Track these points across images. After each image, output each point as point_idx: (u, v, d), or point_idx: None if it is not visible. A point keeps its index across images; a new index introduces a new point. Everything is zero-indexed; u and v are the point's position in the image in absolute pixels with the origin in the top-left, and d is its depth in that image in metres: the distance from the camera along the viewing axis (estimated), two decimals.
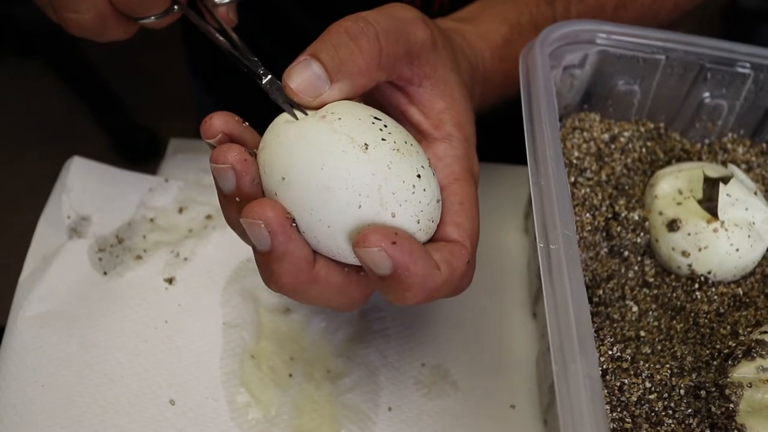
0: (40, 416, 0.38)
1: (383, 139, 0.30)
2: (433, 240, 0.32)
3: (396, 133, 0.31)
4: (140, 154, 1.38)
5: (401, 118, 0.35)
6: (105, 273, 0.44)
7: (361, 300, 0.33)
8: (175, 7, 0.37)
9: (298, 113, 0.31)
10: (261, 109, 0.36)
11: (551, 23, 0.44)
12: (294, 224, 0.29)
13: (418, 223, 0.30)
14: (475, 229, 0.33)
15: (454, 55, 0.37)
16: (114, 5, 0.35)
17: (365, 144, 0.29)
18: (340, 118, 0.30)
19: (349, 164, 0.29)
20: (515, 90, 0.45)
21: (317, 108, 0.31)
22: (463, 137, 0.35)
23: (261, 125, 0.39)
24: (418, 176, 0.30)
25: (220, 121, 0.31)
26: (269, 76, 0.33)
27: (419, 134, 0.35)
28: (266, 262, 0.30)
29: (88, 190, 0.47)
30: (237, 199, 0.30)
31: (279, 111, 0.33)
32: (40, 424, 0.38)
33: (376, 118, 0.31)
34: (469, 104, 0.37)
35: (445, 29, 0.39)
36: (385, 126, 0.31)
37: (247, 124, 0.32)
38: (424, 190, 0.30)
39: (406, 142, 0.31)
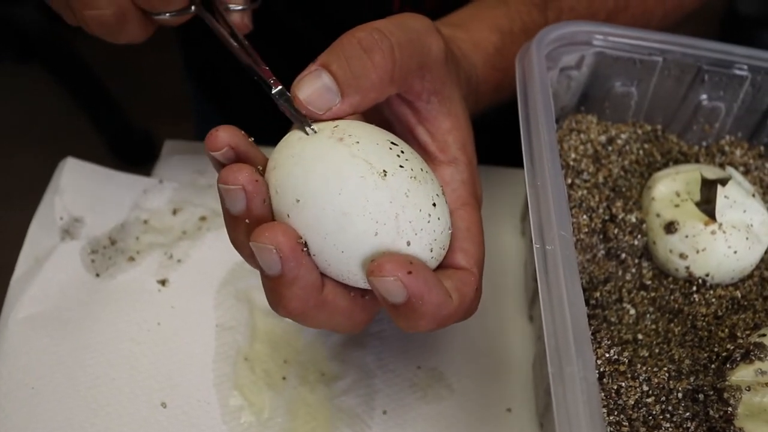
0: (30, 419, 0.38)
1: (401, 166, 0.30)
2: (441, 266, 0.32)
3: (412, 160, 0.31)
4: (137, 156, 1.38)
5: (409, 137, 0.34)
6: (97, 275, 0.44)
7: (365, 322, 0.33)
8: (192, 7, 0.37)
9: (308, 128, 0.31)
10: (259, 112, 0.36)
11: None
12: (305, 248, 0.29)
13: (431, 251, 0.30)
14: (481, 255, 0.33)
15: (456, 68, 0.37)
16: (134, 0, 0.35)
17: (384, 171, 0.29)
18: (358, 142, 0.29)
19: (368, 191, 0.28)
20: (505, 97, 0.44)
21: (326, 120, 0.31)
22: (467, 160, 0.35)
23: (260, 128, 0.38)
24: (434, 205, 0.30)
25: (226, 134, 0.30)
26: (279, 87, 0.32)
27: (425, 156, 0.34)
28: (275, 287, 0.29)
29: (82, 191, 0.47)
30: (246, 220, 0.30)
31: (279, 114, 0.32)
32: (31, 427, 0.37)
33: (393, 143, 0.31)
34: (470, 122, 0.36)
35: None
36: (402, 152, 0.30)
37: (253, 139, 0.31)
38: (439, 218, 0.30)
39: (422, 170, 0.31)
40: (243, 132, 0.31)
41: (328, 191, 0.28)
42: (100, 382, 0.39)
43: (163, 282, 0.44)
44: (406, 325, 0.30)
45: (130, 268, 0.44)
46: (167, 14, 0.36)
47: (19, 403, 0.38)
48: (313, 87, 0.30)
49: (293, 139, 0.31)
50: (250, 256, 0.31)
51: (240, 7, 0.38)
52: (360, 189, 0.28)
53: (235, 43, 0.36)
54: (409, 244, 0.29)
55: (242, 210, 0.29)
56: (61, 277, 0.43)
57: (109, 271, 0.44)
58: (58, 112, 1.42)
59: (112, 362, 0.40)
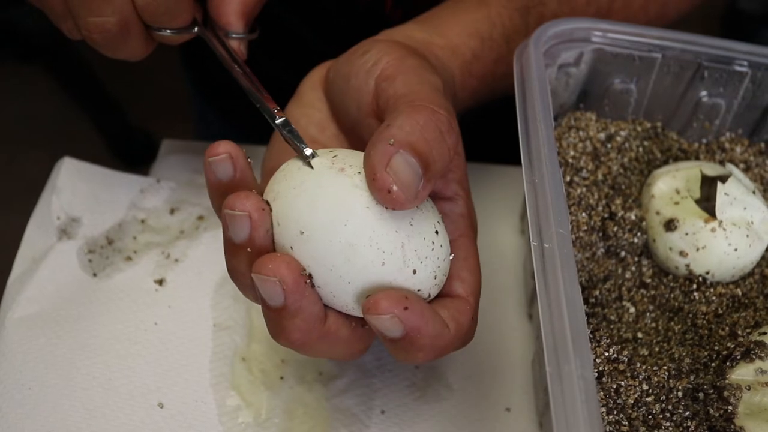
0: (26, 420, 0.37)
1: None
2: (438, 295, 0.32)
3: None
4: (137, 157, 1.38)
5: None
6: (94, 274, 0.44)
7: (362, 351, 0.33)
8: (195, 28, 0.37)
9: (307, 152, 0.30)
10: (257, 113, 0.35)
11: (523, 36, 0.43)
12: (308, 281, 0.29)
13: (435, 278, 0.30)
14: (478, 285, 0.33)
15: (453, 100, 0.36)
16: (138, 11, 0.35)
17: None
18: (359, 172, 0.29)
19: (374, 221, 0.28)
20: (481, 103, 0.44)
21: (407, 207, 0.29)
22: (465, 194, 0.35)
23: (258, 128, 0.38)
24: (436, 232, 0.30)
25: (229, 145, 0.30)
26: (283, 118, 0.32)
27: None
28: (277, 319, 0.29)
29: (79, 191, 0.47)
30: (248, 249, 0.29)
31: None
32: (27, 427, 0.37)
33: None
34: (464, 154, 0.36)
35: (416, 44, 0.38)
36: None
37: (251, 161, 0.31)
38: (441, 246, 0.30)
39: None
40: (244, 152, 0.30)
41: (333, 223, 0.28)
42: (96, 382, 0.39)
43: (160, 282, 0.43)
44: (404, 357, 0.30)
45: (127, 268, 0.44)
46: (169, 31, 0.37)
47: (15, 403, 0.38)
48: (405, 175, 0.28)
49: (293, 169, 0.30)
50: (247, 287, 0.30)
51: (239, 35, 0.38)
52: (366, 220, 0.28)
53: (238, 69, 0.36)
54: (415, 272, 0.29)
55: (245, 238, 0.29)
56: (57, 277, 0.43)
57: (106, 271, 0.44)
58: (59, 113, 1.42)
59: (108, 362, 0.40)
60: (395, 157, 0.28)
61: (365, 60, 0.34)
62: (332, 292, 0.29)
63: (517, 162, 0.36)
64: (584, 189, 0.41)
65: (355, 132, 0.35)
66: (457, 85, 0.40)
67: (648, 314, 0.39)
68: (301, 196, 0.29)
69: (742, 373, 0.33)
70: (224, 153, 0.29)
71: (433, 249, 0.30)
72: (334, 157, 0.30)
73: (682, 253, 0.39)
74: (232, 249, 0.30)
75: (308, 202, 0.29)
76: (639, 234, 0.40)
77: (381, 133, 0.28)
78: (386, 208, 0.28)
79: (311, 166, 0.30)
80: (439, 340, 0.29)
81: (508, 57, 0.42)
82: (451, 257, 0.32)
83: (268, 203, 0.30)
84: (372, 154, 0.28)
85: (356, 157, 0.30)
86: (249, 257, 0.29)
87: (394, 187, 0.27)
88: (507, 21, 0.43)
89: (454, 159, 0.34)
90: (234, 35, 0.38)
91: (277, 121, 0.32)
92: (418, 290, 0.30)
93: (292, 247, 0.29)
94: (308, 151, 0.30)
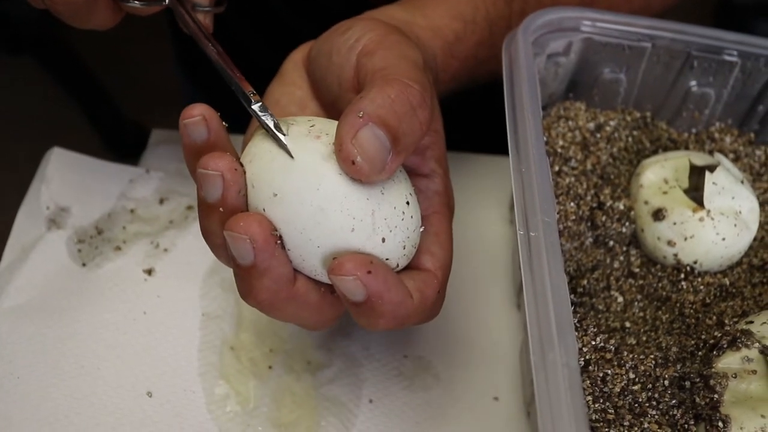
0: (14, 409, 0.37)
1: None
2: (407, 267, 0.32)
3: None
4: (130, 150, 1.37)
5: None
6: (84, 264, 0.44)
7: (333, 319, 0.33)
8: (166, 0, 0.37)
9: (282, 125, 0.30)
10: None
11: (506, 22, 0.43)
12: (279, 241, 0.29)
13: (404, 248, 0.31)
14: (447, 260, 0.33)
15: (434, 78, 0.36)
16: None
17: None
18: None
19: (346, 187, 0.29)
20: (462, 86, 0.44)
21: (370, 181, 0.29)
22: (443, 172, 0.35)
23: (249, 119, 0.38)
24: (407, 203, 0.31)
25: (203, 108, 0.30)
26: (260, 102, 0.32)
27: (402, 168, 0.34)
28: (246, 277, 0.29)
29: (68, 181, 0.47)
30: (221, 209, 0.29)
31: None
32: (15, 417, 0.37)
33: None
34: (443, 132, 0.36)
35: (398, 23, 0.37)
36: None
37: (227, 126, 0.31)
38: (412, 217, 0.31)
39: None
40: (219, 115, 0.30)
41: (306, 187, 0.29)
42: (85, 371, 0.39)
43: (149, 271, 0.43)
44: (366, 322, 0.30)
45: (116, 258, 0.44)
46: (137, 2, 0.36)
47: (4, 392, 0.38)
48: (372, 148, 0.28)
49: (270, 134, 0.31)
50: (218, 247, 0.31)
51: (205, 8, 0.38)
52: (338, 185, 0.29)
53: (212, 47, 0.35)
54: (383, 240, 0.30)
55: (218, 198, 0.29)
56: (47, 267, 0.43)
57: (96, 261, 0.44)
58: (50, 105, 1.42)
59: (97, 352, 0.40)
60: (363, 130, 0.28)
61: (348, 37, 0.34)
62: (301, 255, 0.29)
63: (505, 152, 0.36)
64: (573, 179, 0.41)
65: (336, 108, 0.35)
66: (439, 66, 0.40)
67: (636, 303, 0.39)
68: (276, 160, 0.29)
69: (729, 361, 0.33)
70: (198, 115, 0.30)
71: (403, 219, 0.30)
72: (311, 126, 0.31)
73: (670, 243, 0.39)
74: (205, 209, 0.30)
75: (283, 165, 0.29)
76: (627, 224, 0.40)
77: (353, 105, 0.29)
78: (353, 179, 0.29)
79: (291, 156, 0.30)
80: (400, 309, 0.29)
81: (491, 41, 0.42)
82: (421, 230, 0.32)
83: (242, 165, 0.30)
84: (341, 125, 0.28)
85: (333, 126, 0.30)
86: (221, 217, 0.29)
87: (358, 159, 0.28)
88: (490, 5, 0.43)
89: (431, 136, 0.34)
90: (200, 8, 0.37)
91: (253, 106, 0.32)
92: (387, 259, 0.30)
93: (264, 209, 0.29)
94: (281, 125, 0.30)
